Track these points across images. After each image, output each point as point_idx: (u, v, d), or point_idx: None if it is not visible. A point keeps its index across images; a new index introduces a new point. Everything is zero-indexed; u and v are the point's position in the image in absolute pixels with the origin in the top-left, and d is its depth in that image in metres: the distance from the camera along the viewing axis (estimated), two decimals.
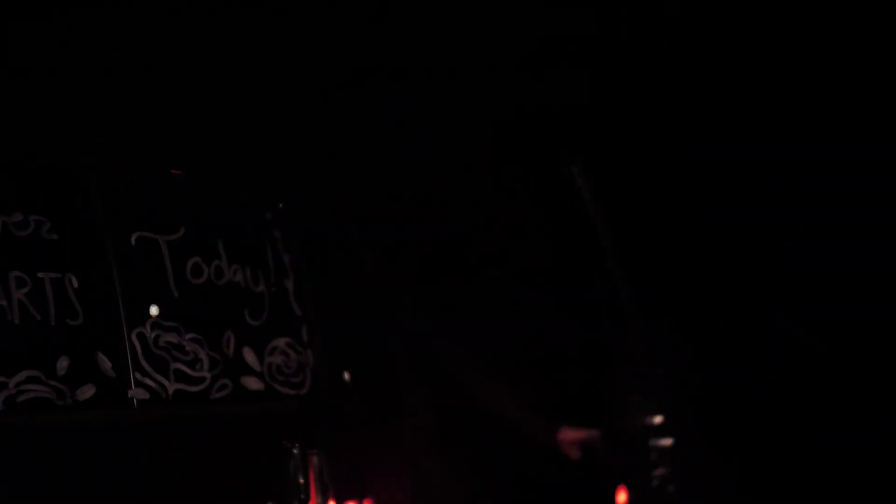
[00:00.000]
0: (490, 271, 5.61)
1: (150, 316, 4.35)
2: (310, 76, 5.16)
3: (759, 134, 5.66)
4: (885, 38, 5.35)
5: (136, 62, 4.56)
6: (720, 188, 5.70)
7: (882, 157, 5.42)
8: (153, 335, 4.32)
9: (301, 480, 4.37)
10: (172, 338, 4.38)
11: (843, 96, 5.50)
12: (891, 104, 5.44)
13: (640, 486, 5.05)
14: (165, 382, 4.31)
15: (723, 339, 5.68)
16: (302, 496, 4.36)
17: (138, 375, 4.23)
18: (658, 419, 5.13)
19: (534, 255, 5.68)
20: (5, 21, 4.18)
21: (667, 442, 5.07)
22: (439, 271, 5.45)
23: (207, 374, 4.45)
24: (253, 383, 4.60)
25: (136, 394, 4.21)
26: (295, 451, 4.37)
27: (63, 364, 4.02)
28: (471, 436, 5.20)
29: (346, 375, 4.94)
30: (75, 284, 4.13)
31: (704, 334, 5.69)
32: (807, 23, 5.39)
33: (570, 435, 5.14)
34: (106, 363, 4.14)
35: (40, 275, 4.05)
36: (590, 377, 5.33)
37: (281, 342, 4.75)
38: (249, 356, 4.62)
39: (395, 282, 5.35)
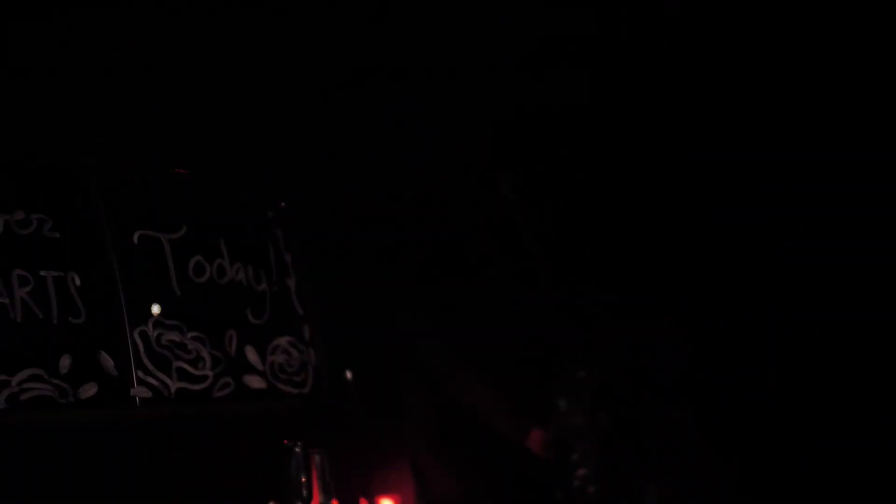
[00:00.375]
0: (486, 271, 5.62)
1: (152, 314, 4.35)
2: (310, 76, 5.16)
3: (759, 134, 5.67)
4: (885, 38, 5.35)
5: (136, 62, 4.55)
6: (720, 188, 5.71)
7: (882, 157, 5.42)
8: (155, 334, 4.32)
9: (303, 479, 4.37)
10: (175, 336, 4.37)
11: (843, 96, 5.50)
12: (891, 104, 5.45)
13: (563, 487, 5.07)
14: (167, 381, 4.30)
15: (723, 339, 5.68)
16: (304, 495, 4.36)
17: (140, 374, 4.23)
18: (580, 420, 5.14)
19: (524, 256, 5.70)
20: (6, 21, 4.17)
21: (588, 444, 5.07)
22: (439, 271, 5.45)
23: (210, 373, 4.44)
24: (255, 382, 4.60)
25: (138, 392, 4.21)
26: (297, 449, 4.37)
27: (65, 362, 4.01)
28: (471, 435, 5.20)
29: (349, 374, 4.93)
30: (77, 283, 4.13)
31: (704, 334, 5.69)
32: (807, 23, 5.40)
33: (538, 434, 5.17)
34: (108, 361, 4.14)
35: (42, 273, 4.05)
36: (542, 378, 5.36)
37: (283, 341, 4.75)
38: (251, 355, 4.61)
39: (395, 281, 5.35)
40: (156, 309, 4.36)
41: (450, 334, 5.37)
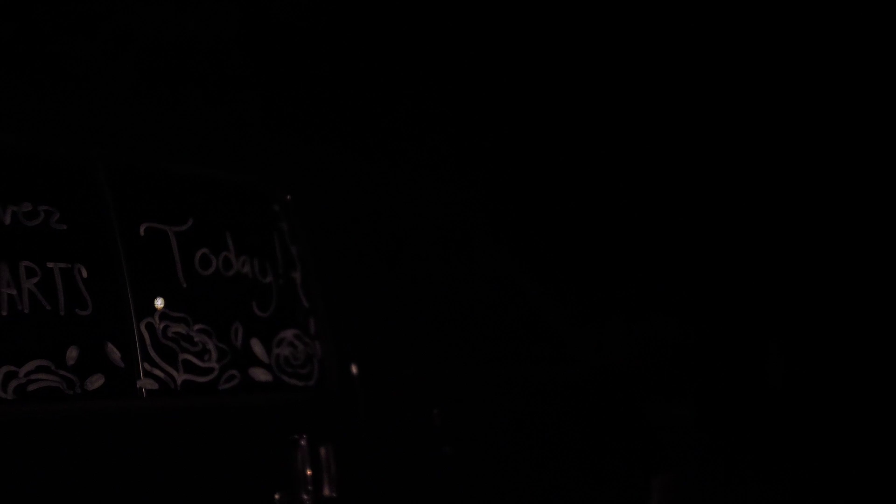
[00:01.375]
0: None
1: (156, 307, 4.35)
2: (314, 70, 5.18)
3: (759, 134, 5.70)
4: (884, 38, 5.39)
5: (143, 55, 4.57)
6: (723, 187, 5.74)
7: (882, 157, 5.46)
8: (161, 326, 4.32)
9: (309, 472, 4.38)
10: (181, 328, 4.37)
11: (842, 96, 5.53)
12: (891, 104, 5.49)
13: None
14: (174, 373, 4.30)
15: (725, 337, 5.71)
16: (309, 488, 4.37)
17: (147, 366, 4.22)
18: None
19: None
20: (14, 15, 4.19)
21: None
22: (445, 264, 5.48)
23: (215, 365, 4.44)
24: (261, 374, 4.60)
25: (144, 384, 4.20)
26: (303, 442, 4.38)
27: (72, 354, 4.00)
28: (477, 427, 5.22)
29: (354, 368, 4.94)
30: (84, 275, 4.12)
31: (706, 333, 5.73)
32: (807, 22, 5.43)
33: None
34: (115, 353, 4.13)
35: (50, 265, 4.04)
36: None
37: (289, 334, 4.75)
38: (257, 347, 4.61)
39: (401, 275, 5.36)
40: (159, 303, 4.36)
41: (451, 330, 5.40)
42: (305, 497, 4.36)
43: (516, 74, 5.74)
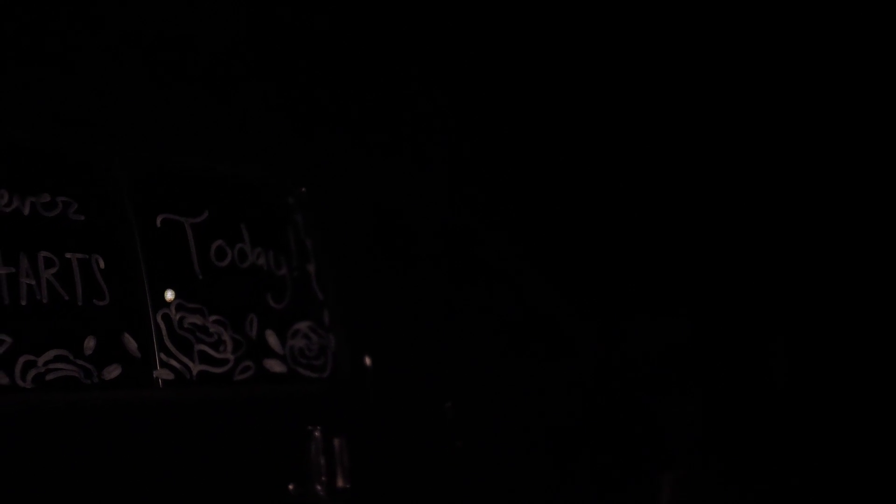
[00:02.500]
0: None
1: (167, 300, 4.37)
2: (329, 67, 5.20)
3: (762, 131, 5.72)
4: (884, 38, 5.42)
5: (160, 47, 4.59)
6: (724, 187, 5.75)
7: (881, 157, 5.48)
8: (178, 316, 4.34)
9: (322, 463, 4.39)
10: (197, 319, 4.40)
11: (843, 96, 5.56)
12: (891, 104, 5.51)
13: None
14: (189, 363, 4.33)
15: (731, 334, 5.72)
16: (323, 479, 4.38)
17: (163, 356, 4.25)
18: None
19: None
20: (33, 10, 4.20)
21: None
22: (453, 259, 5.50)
23: (231, 356, 4.47)
24: (275, 366, 4.62)
25: (160, 374, 4.23)
26: (317, 434, 4.39)
27: (90, 344, 4.03)
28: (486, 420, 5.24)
29: (368, 360, 4.96)
30: (102, 265, 4.15)
31: (712, 329, 5.74)
32: (806, 22, 5.46)
33: None
34: (132, 343, 4.16)
35: (68, 255, 4.07)
36: None
37: (303, 325, 4.78)
38: (272, 339, 4.64)
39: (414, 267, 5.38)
40: (169, 295, 4.38)
41: (463, 324, 5.42)
42: (319, 488, 4.37)
43: (523, 72, 5.76)
